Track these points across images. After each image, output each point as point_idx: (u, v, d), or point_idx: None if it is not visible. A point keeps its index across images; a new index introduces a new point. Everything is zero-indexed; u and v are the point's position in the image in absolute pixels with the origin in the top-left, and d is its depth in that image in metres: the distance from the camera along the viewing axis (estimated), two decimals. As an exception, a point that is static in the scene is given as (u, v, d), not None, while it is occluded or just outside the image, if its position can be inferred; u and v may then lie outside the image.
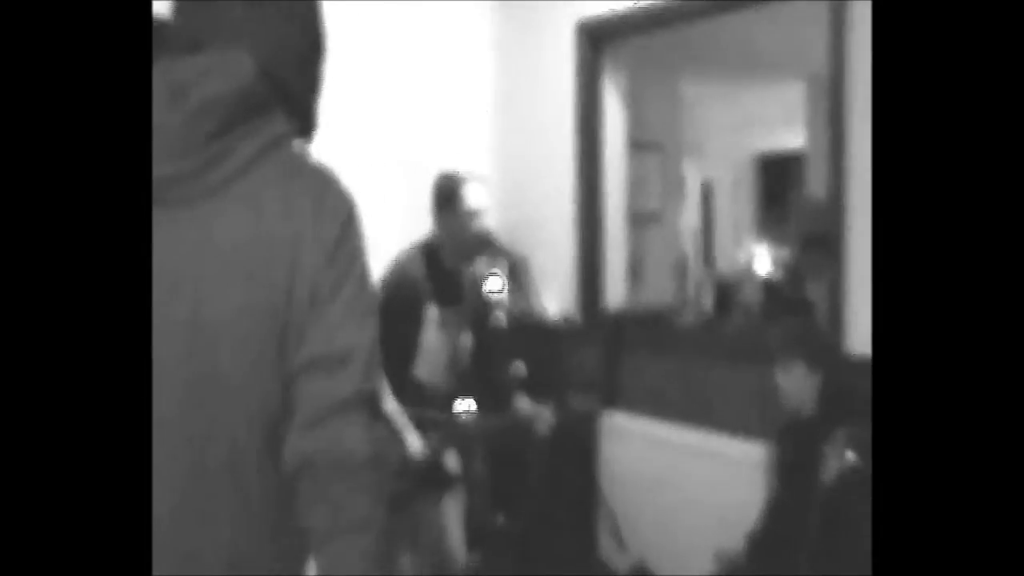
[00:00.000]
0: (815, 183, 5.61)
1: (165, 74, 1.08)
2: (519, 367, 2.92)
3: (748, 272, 6.21)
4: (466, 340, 2.69)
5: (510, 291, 3.76)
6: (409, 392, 2.58)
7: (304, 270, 1.10)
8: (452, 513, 2.76)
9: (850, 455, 2.08)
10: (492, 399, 2.71)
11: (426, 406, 2.59)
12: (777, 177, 7.86)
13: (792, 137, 6.88)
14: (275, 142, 1.14)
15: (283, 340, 1.10)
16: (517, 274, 3.72)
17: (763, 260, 6.37)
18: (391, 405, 2.52)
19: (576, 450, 3.45)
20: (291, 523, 1.15)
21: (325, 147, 3.83)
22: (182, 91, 1.03)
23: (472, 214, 2.56)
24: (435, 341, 2.60)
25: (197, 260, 1.06)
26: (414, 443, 2.51)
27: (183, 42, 1.15)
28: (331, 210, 1.16)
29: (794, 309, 3.59)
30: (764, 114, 7.27)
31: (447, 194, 2.58)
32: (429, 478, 2.61)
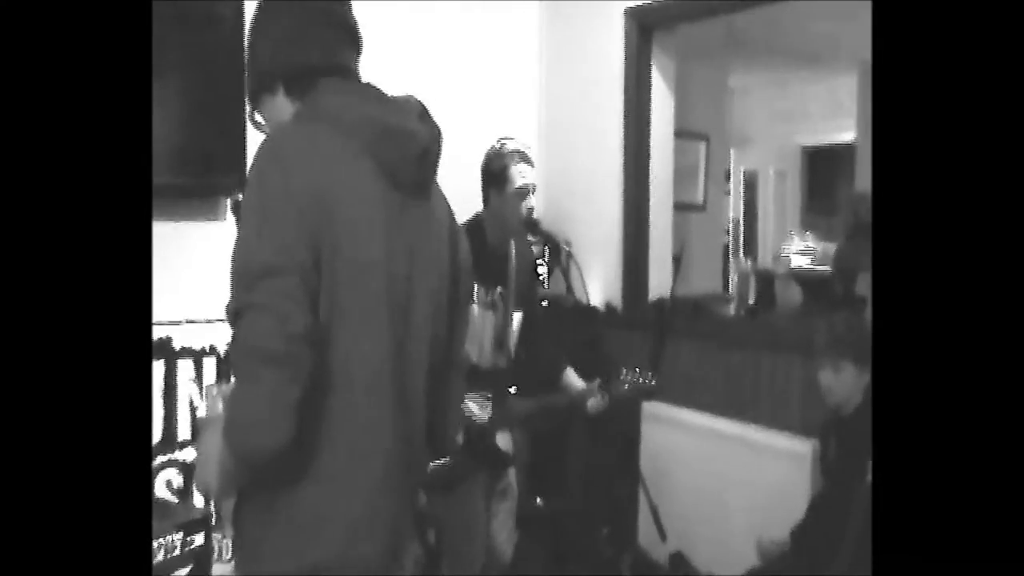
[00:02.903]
0: (864, 176, 5.51)
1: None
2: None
3: (792, 264, 6.15)
4: (513, 319, 2.70)
5: (552, 275, 3.77)
6: None
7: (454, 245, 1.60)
8: (502, 501, 2.77)
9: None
10: (542, 377, 2.72)
11: (476, 384, 2.62)
12: (825, 169, 7.75)
13: (841, 129, 6.77)
14: None
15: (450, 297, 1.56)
16: (559, 258, 3.73)
17: (806, 252, 6.30)
18: None
19: (618, 437, 3.46)
20: None
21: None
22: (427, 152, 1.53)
23: (519, 193, 2.56)
24: (480, 322, 2.62)
25: (425, 232, 1.47)
26: (475, 410, 2.55)
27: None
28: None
29: (843, 304, 3.55)
30: (813, 105, 7.16)
31: (496, 171, 2.58)
32: (483, 458, 2.63)
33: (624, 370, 2.59)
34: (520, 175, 2.56)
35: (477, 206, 2.68)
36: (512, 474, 2.80)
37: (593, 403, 2.59)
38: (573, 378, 2.69)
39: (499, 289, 2.66)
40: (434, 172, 1.57)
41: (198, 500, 3.10)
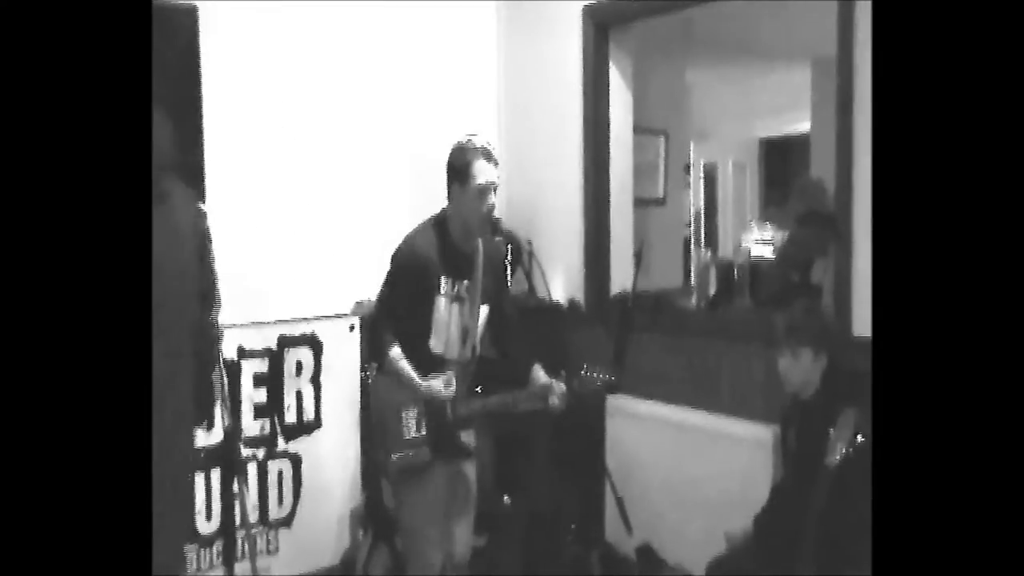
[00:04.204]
0: (820, 167, 5.59)
1: None
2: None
3: (750, 254, 6.22)
4: (479, 314, 2.71)
5: (514, 274, 3.78)
6: (426, 364, 2.62)
7: None
8: (462, 489, 2.79)
9: (859, 437, 2.08)
10: (511, 374, 2.73)
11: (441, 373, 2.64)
12: (781, 161, 7.85)
13: (796, 121, 6.86)
14: None
15: None
16: (520, 257, 3.74)
17: (766, 242, 6.38)
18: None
19: (582, 432, 3.47)
20: None
21: (334, 140, 3.85)
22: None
23: (482, 190, 2.57)
24: (446, 314, 2.63)
25: None
26: (441, 387, 2.58)
27: None
28: None
29: (800, 293, 3.59)
30: (769, 99, 7.24)
31: (460, 167, 2.59)
32: (444, 447, 2.65)
33: (585, 366, 2.61)
34: (483, 172, 2.57)
35: (441, 202, 2.69)
36: (471, 473, 2.81)
37: (554, 400, 2.61)
38: (540, 375, 2.71)
39: (465, 283, 2.67)
40: None
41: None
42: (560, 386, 2.62)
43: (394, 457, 2.62)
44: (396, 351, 2.62)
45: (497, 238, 2.77)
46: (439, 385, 2.60)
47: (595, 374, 2.60)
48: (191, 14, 3.00)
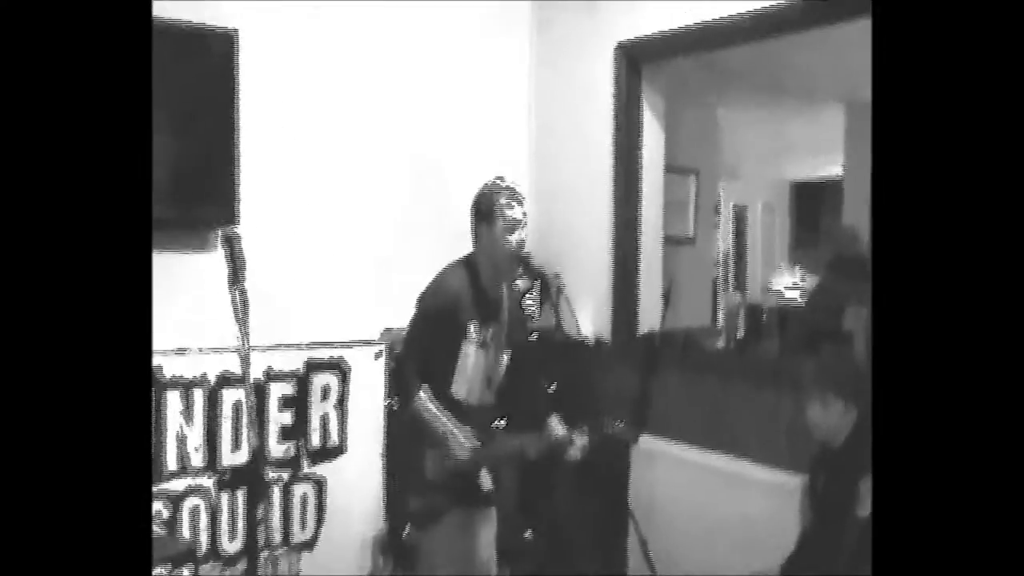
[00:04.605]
0: (852, 211, 5.57)
1: None
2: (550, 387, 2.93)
3: (780, 298, 6.17)
4: (502, 358, 2.70)
5: (542, 309, 3.78)
6: (447, 408, 2.60)
7: None
8: (484, 530, 2.76)
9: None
10: (527, 418, 2.72)
11: (464, 422, 2.61)
12: (812, 203, 7.81)
13: (828, 164, 6.84)
14: None
15: None
16: (549, 292, 3.74)
17: (795, 286, 6.33)
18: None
19: (606, 471, 3.44)
20: None
21: (367, 168, 3.90)
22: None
23: (508, 228, 2.58)
24: (472, 358, 2.62)
25: None
26: (463, 441, 2.56)
27: None
28: None
29: (830, 339, 3.56)
30: (801, 140, 7.23)
31: (485, 209, 2.61)
32: (464, 493, 2.62)
33: (606, 420, 2.60)
34: (509, 211, 2.58)
35: (468, 244, 2.70)
36: (492, 515, 2.79)
37: (574, 453, 2.60)
38: (556, 425, 2.68)
39: (491, 329, 2.66)
40: None
41: (186, 532, 3.07)
42: (581, 439, 2.60)
43: (414, 502, 2.60)
44: (425, 394, 2.57)
45: (525, 273, 2.78)
46: (463, 439, 2.57)
47: (616, 425, 2.58)
48: (229, 38, 3.07)
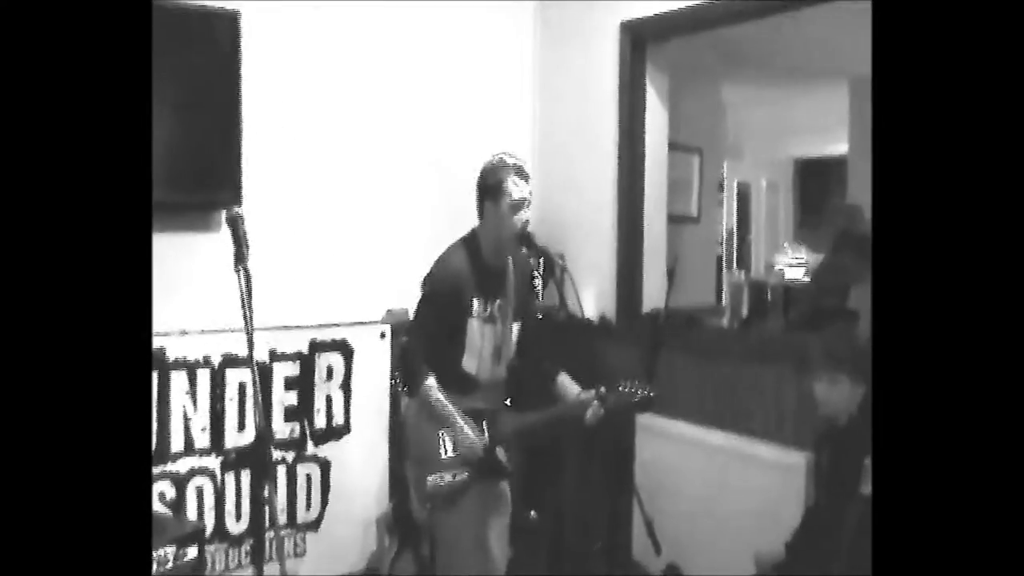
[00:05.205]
0: (856, 189, 5.54)
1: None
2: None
3: (783, 276, 6.16)
4: (511, 333, 2.71)
5: (546, 288, 3.77)
6: (459, 384, 2.61)
7: None
8: (500, 509, 2.77)
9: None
10: (538, 388, 2.72)
11: (476, 397, 2.62)
12: (816, 182, 7.78)
13: (832, 141, 6.80)
14: None
15: None
16: (554, 271, 3.73)
17: (799, 264, 6.32)
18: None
19: (612, 450, 3.45)
20: None
21: (370, 149, 3.90)
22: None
23: (514, 207, 2.57)
24: (479, 333, 2.63)
25: None
26: (470, 437, 2.57)
27: None
28: None
29: (835, 317, 3.55)
30: (805, 118, 7.19)
31: (492, 185, 2.60)
32: (484, 468, 2.63)
33: (622, 380, 2.59)
34: (515, 189, 2.57)
35: (473, 220, 2.70)
36: (506, 487, 2.80)
37: (591, 412, 2.58)
38: (568, 383, 2.69)
39: (497, 302, 2.66)
40: None
41: (191, 513, 3.09)
42: (591, 399, 2.59)
43: (431, 480, 2.60)
44: (432, 381, 2.58)
45: (529, 252, 2.77)
46: (469, 433, 2.57)
47: (632, 388, 2.57)
48: (232, 20, 3.05)
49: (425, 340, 2.62)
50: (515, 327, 2.73)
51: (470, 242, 2.66)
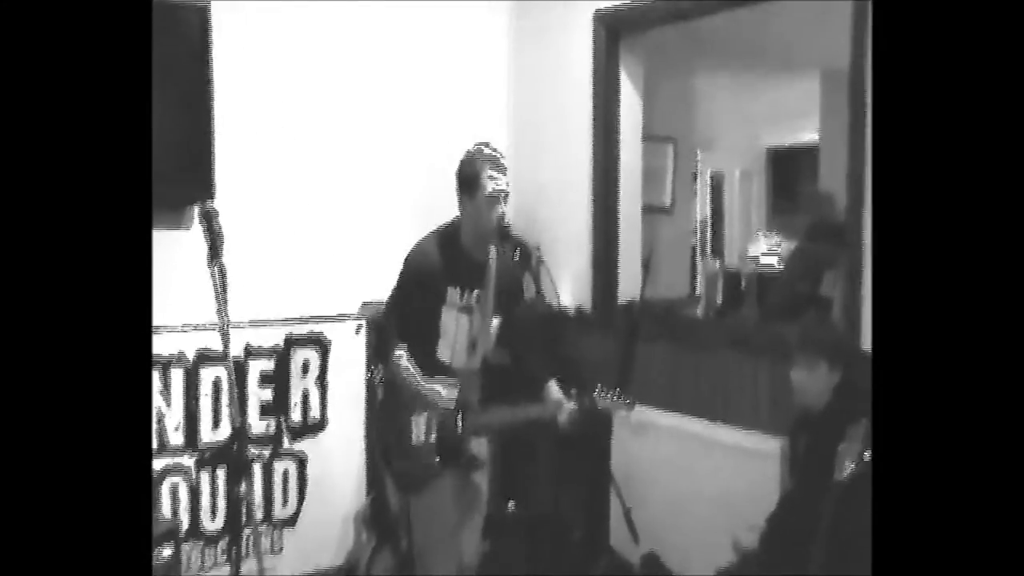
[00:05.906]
0: (828, 177, 5.59)
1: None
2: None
3: (757, 264, 6.21)
4: (490, 323, 2.71)
5: (523, 280, 3.77)
6: (433, 370, 2.63)
7: None
8: (473, 500, 2.78)
9: (867, 454, 2.08)
10: (525, 384, 2.74)
11: (450, 386, 2.64)
12: (789, 171, 7.84)
13: (804, 130, 6.85)
14: None
15: None
16: (530, 263, 3.73)
17: (773, 252, 6.37)
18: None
19: (588, 440, 3.46)
20: None
21: (344, 142, 3.86)
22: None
23: (491, 199, 2.58)
24: (454, 323, 2.63)
25: None
26: (441, 391, 2.59)
27: None
28: None
29: (810, 305, 3.59)
30: (778, 107, 7.23)
31: (469, 177, 2.60)
32: (454, 459, 2.64)
33: (599, 387, 2.61)
34: (492, 181, 2.57)
35: (450, 211, 2.69)
36: (482, 480, 2.81)
37: (565, 418, 2.61)
38: (554, 391, 2.70)
39: (476, 293, 2.66)
40: None
41: (166, 512, 3.06)
42: (570, 405, 2.61)
43: (402, 464, 2.61)
44: (401, 352, 2.61)
45: (506, 243, 2.77)
46: (440, 389, 2.60)
47: (610, 394, 2.59)
48: (202, 13, 3.00)
49: (397, 320, 2.66)
50: (496, 320, 2.73)
51: (449, 231, 2.67)
